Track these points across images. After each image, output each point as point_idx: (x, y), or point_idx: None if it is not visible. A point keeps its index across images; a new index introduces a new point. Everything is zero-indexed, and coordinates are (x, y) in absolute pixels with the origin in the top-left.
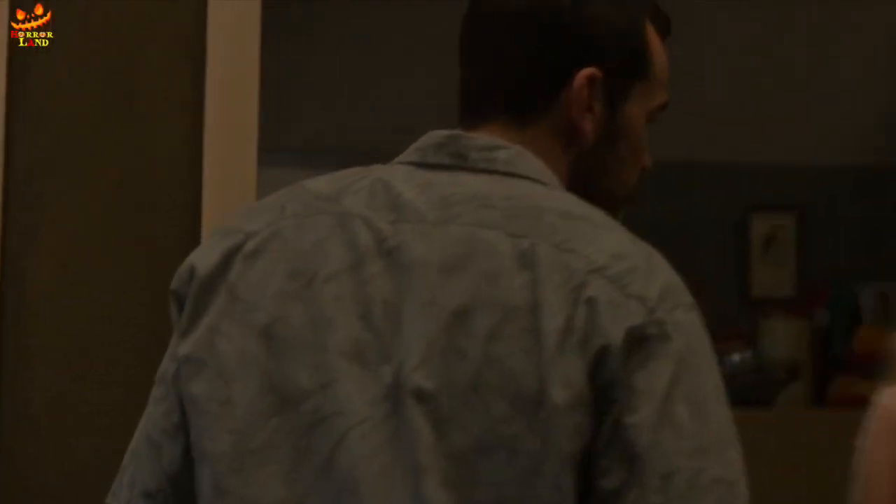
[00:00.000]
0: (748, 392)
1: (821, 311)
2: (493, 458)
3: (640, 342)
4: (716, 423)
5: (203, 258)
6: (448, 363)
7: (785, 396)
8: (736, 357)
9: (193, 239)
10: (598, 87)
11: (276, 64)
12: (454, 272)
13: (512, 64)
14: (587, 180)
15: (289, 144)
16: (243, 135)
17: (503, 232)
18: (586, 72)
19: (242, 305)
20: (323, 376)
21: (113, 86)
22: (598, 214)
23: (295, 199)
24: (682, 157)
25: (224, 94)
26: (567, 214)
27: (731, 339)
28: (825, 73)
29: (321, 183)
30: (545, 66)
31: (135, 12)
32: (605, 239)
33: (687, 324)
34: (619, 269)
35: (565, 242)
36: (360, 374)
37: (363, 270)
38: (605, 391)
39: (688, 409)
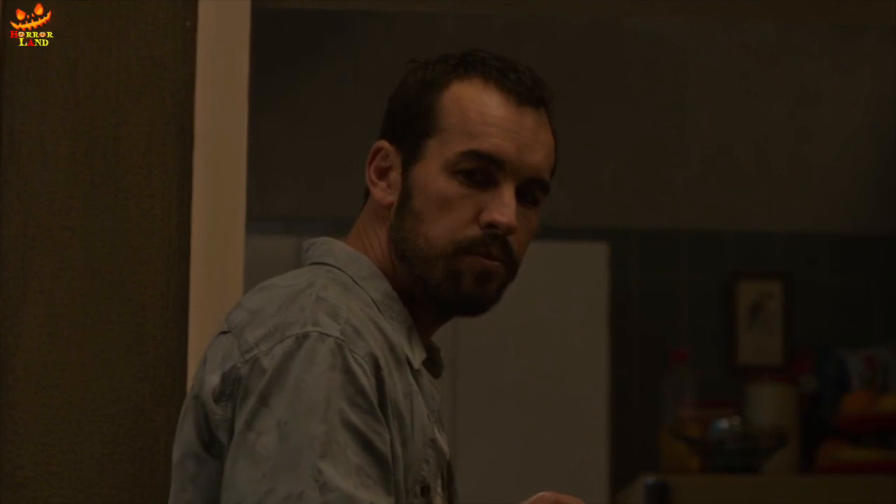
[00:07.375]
0: (736, 459)
1: (808, 377)
2: None
3: (234, 384)
4: (297, 439)
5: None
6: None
7: (773, 463)
8: (723, 424)
9: (181, 306)
10: (389, 157)
11: (262, 132)
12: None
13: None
14: (403, 250)
15: (274, 213)
16: (231, 202)
17: (221, 330)
18: (374, 147)
19: None
20: None
21: (99, 153)
22: (290, 279)
23: None
24: (666, 225)
25: (211, 161)
26: (261, 288)
27: (718, 406)
28: (808, 140)
29: None
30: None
31: (121, 79)
32: (258, 299)
33: (284, 353)
34: (245, 322)
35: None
36: None
37: None
38: (211, 437)
39: (272, 433)
